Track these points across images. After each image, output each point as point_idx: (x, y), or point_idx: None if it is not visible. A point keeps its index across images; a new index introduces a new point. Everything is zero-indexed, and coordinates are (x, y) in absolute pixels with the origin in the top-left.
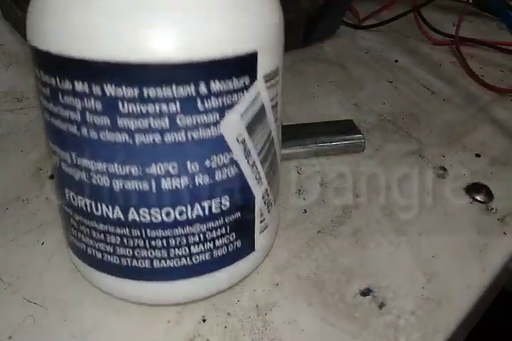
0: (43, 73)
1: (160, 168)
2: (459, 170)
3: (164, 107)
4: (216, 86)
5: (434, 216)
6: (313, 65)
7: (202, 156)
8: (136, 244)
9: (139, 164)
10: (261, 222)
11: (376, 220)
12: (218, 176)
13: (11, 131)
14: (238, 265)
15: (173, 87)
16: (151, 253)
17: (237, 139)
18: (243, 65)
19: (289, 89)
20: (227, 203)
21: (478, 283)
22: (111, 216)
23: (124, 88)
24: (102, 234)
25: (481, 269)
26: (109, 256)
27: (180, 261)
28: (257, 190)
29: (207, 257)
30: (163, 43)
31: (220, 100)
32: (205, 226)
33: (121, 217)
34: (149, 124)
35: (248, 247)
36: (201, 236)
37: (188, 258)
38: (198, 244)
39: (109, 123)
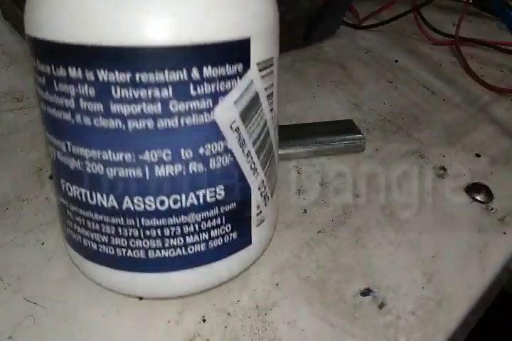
0: (39, 62)
1: (153, 155)
2: (459, 170)
3: (157, 92)
4: (209, 71)
5: (434, 216)
6: (313, 64)
7: (195, 143)
8: (130, 233)
9: (133, 151)
10: (257, 214)
11: (376, 220)
12: (212, 164)
13: (11, 131)
14: (234, 258)
15: (166, 71)
16: (145, 243)
17: (231, 127)
18: (236, 51)
19: (289, 89)
20: (222, 193)
21: (478, 283)
22: (105, 205)
23: (116, 73)
24: (97, 224)
25: (481, 269)
26: (104, 247)
27: (175, 251)
28: (253, 181)
29: (202, 248)
30: (155, 28)
31: (212, 86)
32: (200, 216)
33: (116, 205)
34: (142, 110)
35: (244, 240)
36: (196, 226)
37: (183, 249)
38: (193, 234)
39: (102, 109)
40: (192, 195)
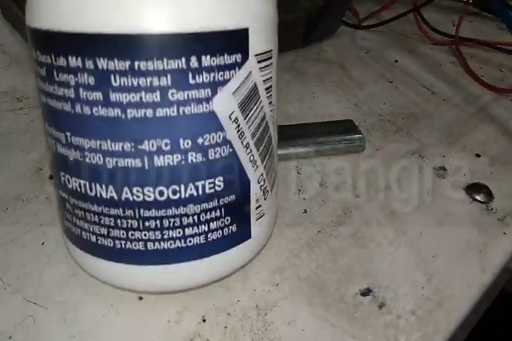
0: (40, 53)
1: (152, 145)
2: (459, 170)
3: (156, 81)
4: (207, 60)
5: (434, 216)
6: (313, 64)
7: (194, 133)
8: (129, 225)
9: (132, 140)
10: (257, 208)
11: (376, 220)
12: (211, 155)
13: (11, 131)
14: (234, 251)
15: (165, 60)
16: (144, 235)
17: (230, 117)
18: (234, 41)
19: (289, 89)
20: (222, 184)
21: (478, 283)
22: (104, 196)
23: (116, 61)
24: (96, 216)
25: (481, 269)
26: (103, 239)
27: (175, 243)
28: (252, 174)
29: (201, 240)
30: (154, 16)
31: (211, 75)
32: (199, 207)
33: (115, 196)
34: (141, 98)
35: (244, 233)
36: (195, 217)
37: (183, 241)
38: (192, 225)
39: (101, 98)
40: (191, 185)
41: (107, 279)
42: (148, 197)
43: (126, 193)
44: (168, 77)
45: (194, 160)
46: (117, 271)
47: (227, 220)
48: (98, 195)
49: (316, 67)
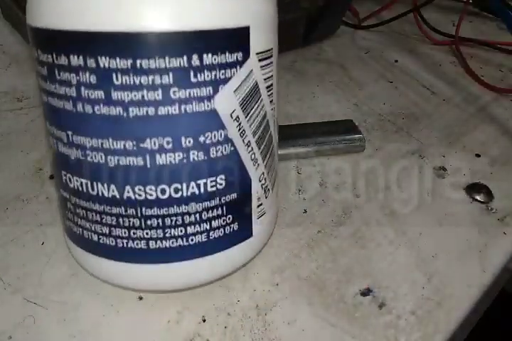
0: (41, 52)
1: (154, 143)
2: (459, 170)
3: (157, 79)
4: (209, 59)
5: (434, 216)
6: (313, 64)
7: (196, 131)
8: (131, 223)
9: (134, 139)
10: (258, 206)
11: (376, 220)
12: (213, 153)
13: (11, 131)
14: (235, 250)
15: (166, 58)
16: (146, 234)
17: (231, 115)
18: (235, 40)
19: (289, 89)
20: (223, 183)
21: (478, 283)
22: (106, 195)
23: (117, 59)
24: (98, 215)
25: (481, 269)
26: (104, 238)
27: (177, 241)
28: (253, 172)
29: (203, 238)
30: (156, 14)
31: (213, 74)
32: (201, 205)
33: (117, 195)
34: (143, 96)
35: (245, 232)
36: (197, 216)
37: (184, 239)
38: (194, 224)
39: (103, 97)
40: (193, 184)
41: (109, 278)
42: (150, 195)
43: (128, 192)
44: (170, 75)
45: (196, 158)
46: (119, 270)
47: (229, 218)
48: (100, 193)
49: (316, 67)
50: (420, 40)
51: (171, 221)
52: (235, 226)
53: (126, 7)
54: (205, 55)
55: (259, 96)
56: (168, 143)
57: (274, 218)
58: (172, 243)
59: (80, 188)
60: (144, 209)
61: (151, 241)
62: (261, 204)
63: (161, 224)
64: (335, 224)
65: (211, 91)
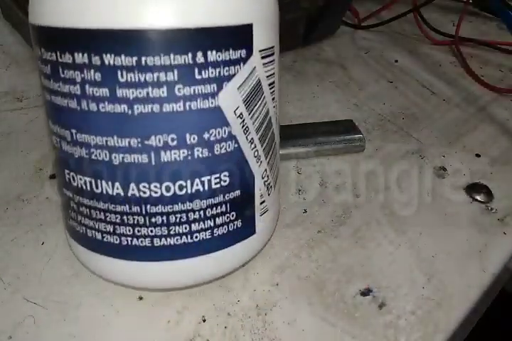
0: (44, 50)
1: (159, 140)
2: (459, 170)
3: (162, 76)
4: (213, 56)
5: (434, 216)
6: (313, 64)
7: (200, 128)
8: (136, 221)
9: (138, 136)
10: (261, 203)
11: (376, 220)
12: (217, 150)
13: (11, 131)
14: (239, 247)
15: (171, 55)
16: (151, 231)
17: (235, 112)
18: (239, 37)
19: (289, 89)
20: (227, 179)
21: (478, 283)
22: (111, 193)
23: (123, 57)
24: (102, 213)
25: (481, 269)
26: (108, 236)
27: (181, 238)
28: (257, 169)
29: (207, 235)
30: (161, 11)
31: (217, 71)
32: (205, 202)
33: (122, 193)
34: (148, 94)
35: (249, 229)
36: (201, 213)
37: (189, 236)
38: (198, 221)
39: (108, 94)
40: (197, 181)
41: (112, 277)
42: (155, 192)
43: (133, 189)
44: (175, 72)
45: (200, 155)
46: (123, 268)
47: (233, 215)
48: (104, 191)
49: (316, 67)
50: (420, 40)
51: (176, 218)
52: (239, 223)
53: (131, 4)
54: (209, 52)
55: (262, 94)
56: (172, 140)
57: (276, 215)
58: (176, 240)
59: (84, 187)
60: (148, 206)
61: (155, 239)
62: (264, 202)
63: (165, 221)
64: (335, 224)
65: (215, 88)
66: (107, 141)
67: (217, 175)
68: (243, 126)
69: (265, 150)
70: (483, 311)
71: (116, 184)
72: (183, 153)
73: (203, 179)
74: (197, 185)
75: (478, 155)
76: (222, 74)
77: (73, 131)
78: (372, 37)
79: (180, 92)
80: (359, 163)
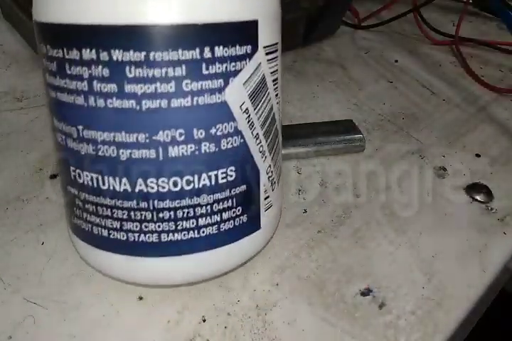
0: (50, 47)
1: (167, 135)
2: (459, 170)
3: (171, 71)
4: (220, 51)
5: (434, 216)
6: (313, 64)
7: (208, 123)
8: (143, 217)
9: (146, 131)
10: (265, 198)
11: (376, 220)
12: (224, 145)
13: (11, 131)
14: (245, 241)
15: (179, 50)
16: (158, 226)
17: (241, 108)
18: (245, 33)
19: (289, 89)
20: (233, 174)
21: (478, 283)
22: (118, 189)
23: (131, 52)
24: (109, 210)
25: (481, 269)
26: (115, 233)
27: (188, 233)
28: (261, 164)
29: (214, 230)
30: (169, 6)
31: (223, 66)
32: (212, 197)
33: (129, 188)
34: (156, 89)
35: (254, 224)
36: (208, 208)
37: (196, 231)
38: (205, 216)
39: (116, 90)
40: (204, 175)
41: (118, 274)
42: (163, 188)
43: (141, 185)
44: (183, 67)
45: (207, 150)
46: (130, 265)
47: (239, 210)
48: (111, 188)
49: (316, 67)
50: (420, 40)
51: (183, 213)
52: (244, 218)
53: (140, 0)
54: (216, 48)
55: (267, 90)
56: (180, 135)
57: (279, 212)
58: (184, 235)
59: (90, 183)
60: (156, 202)
61: (162, 234)
62: (268, 197)
63: (172, 216)
64: (335, 224)
65: (222, 84)
66: (114, 137)
67: (224, 170)
68: (249, 122)
69: (269, 146)
70: (483, 311)
71: (124, 180)
72: (191, 148)
73: (209, 174)
74: (204, 179)
75: (478, 155)
76: (228, 69)
77: (80, 127)
78: (372, 37)
79: (188, 87)
80: (359, 163)
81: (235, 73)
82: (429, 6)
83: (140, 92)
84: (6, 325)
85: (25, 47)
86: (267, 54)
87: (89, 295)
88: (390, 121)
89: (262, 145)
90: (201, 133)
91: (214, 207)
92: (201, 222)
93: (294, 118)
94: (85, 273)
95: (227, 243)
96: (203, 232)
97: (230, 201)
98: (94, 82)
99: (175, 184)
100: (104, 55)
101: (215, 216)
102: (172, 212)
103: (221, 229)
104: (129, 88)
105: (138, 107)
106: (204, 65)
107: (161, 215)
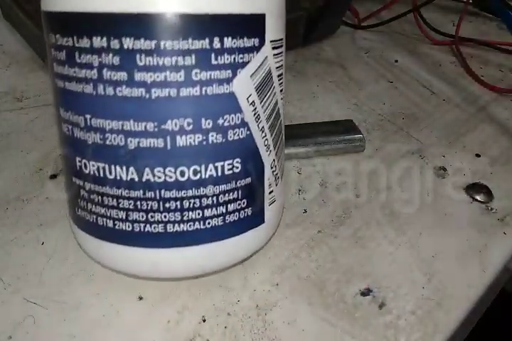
0: (60, 36)
1: (175, 124)
2: (459, 170)
3: (180, 60)
4: (229, 42)
5: (434, 216)
6: (313, 64)
7: (215, 114)
8: (149, 207)
9: (155, 120)
10: (269, 193)
11: (376, 220)
12: (230, 136)
13: (11, 131)
14: (249, 235)
15: (189, 39)
16: (164, 217)
17: (248, 100)
18: (253, 26)
19: (289, 89)
20: (239, 166)
21: (478, 283)
22: (124, 178)
23: (142, 40)
24: (115, 200)
25: (481, 269)
26: (121, 223)
27: (194, 224)
28: (266, 158)
29: (219, 222)
30: None
31: (232, 57)
32: (218, 188)
33: (136, 178)
34: (166, 78)
35: (258, 217)
36: (214, 199)
37: (201, 222)
38: (211, 207)
39: (126, 78)
40: (211, 166)
41: (123, 266)
42: (170, 177)
43: (148, 174)
44: (193, 56)
45: (214, 140)
46: (134, 256)
47: (244, 203)
48: (118, 177)
49: (316, 67)
50: (420, 40)
51: (189, 203)
52: (249, 211)
53: None
54: (225, 39)
55: (272, 84)
56: (188, 124)
57: (282, 207)
58: (189, 226)
59: (97, 173)
60: (162, 191)
61: (168, 225)
62: (272, 191)
63: (179, 206)
64: (335, 224)
65: (230, 74)
66: (122, 126)
67: (230, 161)
68: (255, 114)
69: (274, 140)
70: (483, 311)
71: (131, 169)
72: (198, 137)
73: (216, 164)
74: (210, 170)
75: (478, 155)
76: (236, 60)
77: (88, 116)
78: (372, 37)
79: (197, 77)
80: (359, 163)
81: (243, 65)
82: (429, 6)
83: (150, 81)
84: (6, 325)
85: (25, 47)
86: (273, 48)
87: (89, 295)
88: (390, 121)
89: (267, 139)
90: (209, 123)
91: (220, 199)
92: (207, 213)
93: (294, 118)
94: (85, 273)
95: (232, 235)
96: (209, 223)
97: (235, 193)
98: (104, 70)
99: (182, 174)
100: (114, 43)
101: (221, 207)
102: (178, 202)
103: (226, 221)
104: (138, 76)
105: (147, 96)
106: (213, 55)
107: (167, 205)
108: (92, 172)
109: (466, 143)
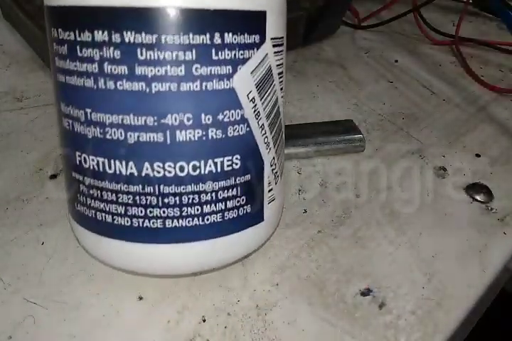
0: (62, 30)
1: (175, 119)
2: (459, 170)
3: (181, 55)
4: (229, 38)
5: (434, 216)
6: (313, 64)
7: (215, 109)
8: (148, 202)
9: (155, 114)
10: (269, 191)
11: (376, 220)
12: (230, 132)
13: (11, 131)
14: (249, 232)
15: (190, 34)
16: (163, 212)
17: (248, 96)
18: (254, 22)
19: (289, 89)
20: (239, 162)
21: (478, 283)
22: (124, 172)
23: (143, 34)
24: (114, 194)
25: (481, 269)
26: (119, 218)
27: (193, 220)
28: (266, 155)
29: (218, 218)
30: None
31: (232, 53)
32: (217, 184)
33: (135, 172)
34: (166, 72)
35: (257, 215)
36: (213, 195)
37: (200, 218)
38: (209, 203)
39: (126, 72)
40: (210, 162)
41: (121, 261)
42: (169, 172)
43: (147, 169)
44: (193, 51)
45: (214, 136)
46: (133, 251)
47: (243, 200)
48: (117, 172)
49: (316, 67)
50: (420, 40)
51: (188, 199)
52: (248, 208)
53: None
54: (226, 34)
55: (272, 81)
56: (188, 119)
57: (281, 206)
58: (188, 222)
59: (96, 167)
60: (161, 186)
61: (167, 220)
62: (271, 190)
63: (178, 202)
64: (335, 224)
65: (230, 70)
66: (122, 120)
67: (230, 158)
68: (255, 111)
69: (274, 138)
70: (483, 311)
71: (130, 163)
72: (198, 133)
73: (216, 160)
74: (210, 166)
75: (478, 155)
76: (237, 56)
77: (88, 110)
78: (372, 37)
79: (197, 72)
80: (359, 163)
81: (243, 61)
82: (429, 6)
83: (150, 75)
84: (6, 325)
85: (25, 47)
86: (273, 46)
87: (89, 295)
88: (390, 121)
89: (266, 137)
90: (209, 119)
91: (219, 195)
92: (206, 209)
93: (294, 118)
94: (85, 273)
95: (231, 232)
96: (207, 220)
97: (234, 189)
98: (105, 64)
99: (181, 169)
100: (116, 37)
101: (220, 204)
102: (177, 198)
103: (225, 218)
104: (139, 70)
105: (147, 90)
106: (214, 51)
107: (166, 200)
108: (91, 167)
109: (466, 143)
